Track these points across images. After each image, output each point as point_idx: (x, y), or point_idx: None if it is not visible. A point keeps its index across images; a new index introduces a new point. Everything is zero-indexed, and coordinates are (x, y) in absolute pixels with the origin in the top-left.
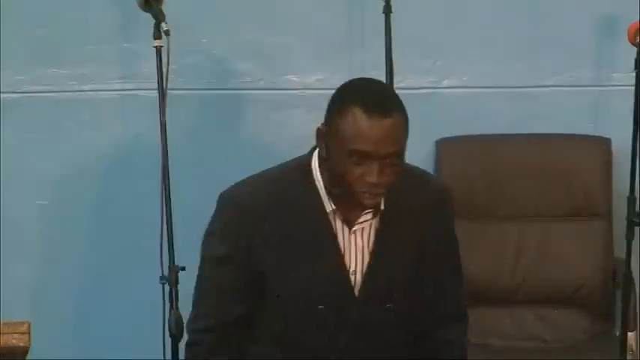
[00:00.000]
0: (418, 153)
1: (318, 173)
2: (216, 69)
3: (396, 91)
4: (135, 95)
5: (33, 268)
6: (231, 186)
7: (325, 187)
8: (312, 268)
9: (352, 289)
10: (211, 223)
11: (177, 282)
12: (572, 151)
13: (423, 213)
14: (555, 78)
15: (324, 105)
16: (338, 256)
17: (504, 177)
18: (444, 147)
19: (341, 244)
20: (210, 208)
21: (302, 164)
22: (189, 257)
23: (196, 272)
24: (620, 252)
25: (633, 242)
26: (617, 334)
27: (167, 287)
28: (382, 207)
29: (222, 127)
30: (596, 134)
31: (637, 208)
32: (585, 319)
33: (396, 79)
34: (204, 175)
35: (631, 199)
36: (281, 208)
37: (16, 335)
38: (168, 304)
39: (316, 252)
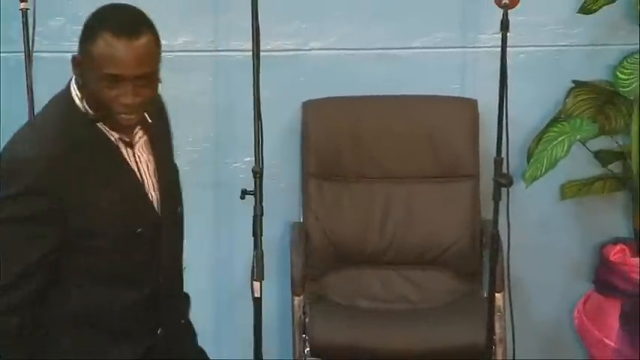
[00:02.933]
0: (284, 114)
1: (80, 102)
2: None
3: (263, 54)
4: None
5: None
6: (9, 148)
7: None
8: (120, 196)
9: (153, 206)
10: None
11: None
12: (438, 112)
13: (161, 120)
14: (422, 40)
15: (191, 67)
16: (135, 179)
17: (371, 139)
18: (310, 108)
19: (133, 166)
20: None
21: (61, 102)
22: None
23: None
24: (487, 213)
25: (500, 203)
26: (485, 295)
27: None
28: (150, 120)
29: None
30: (463, 96)
31: (504, 170)
32: (453, 279)
33: (262, 42)
34: None
35: (498, 161)
36: (70, 151)
37: None
38: None
39: (117, 181)
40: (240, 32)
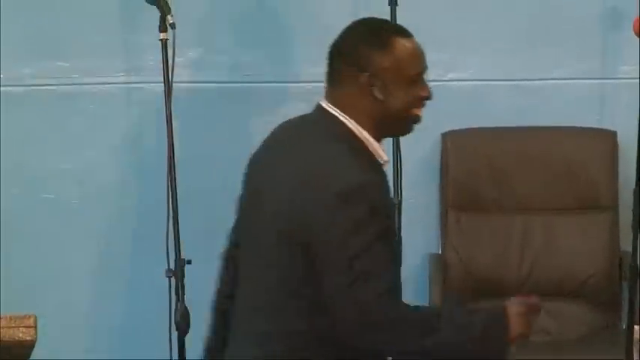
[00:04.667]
0: (424, 146)
1: (363, 130)
2: (221, 62)
3: None
4: (140, 89)
5: (38, 262)
6: (343, 173)
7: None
8: None
9: None
10: (358, 208)
11: (183, 275)
12: (577, 143)
13: None
14: (560, 70)
15: None
16: None
17: (510, 170)
18: (450, 140)
19: None
20: (215, 200)
21: (339, 135)
22: (196, 251)
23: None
24: (626, 244)
25: None
26: (624, 326)
27: (173, 281)
28: None
29: (229, 120)
30: (602, 127)
31: None
32: (591, 311)
33: None
34: (210, 169)
35: (637, 192)
36: (381, 178)
37: (22, 329)
38: (174, 298)
39: None
40: None
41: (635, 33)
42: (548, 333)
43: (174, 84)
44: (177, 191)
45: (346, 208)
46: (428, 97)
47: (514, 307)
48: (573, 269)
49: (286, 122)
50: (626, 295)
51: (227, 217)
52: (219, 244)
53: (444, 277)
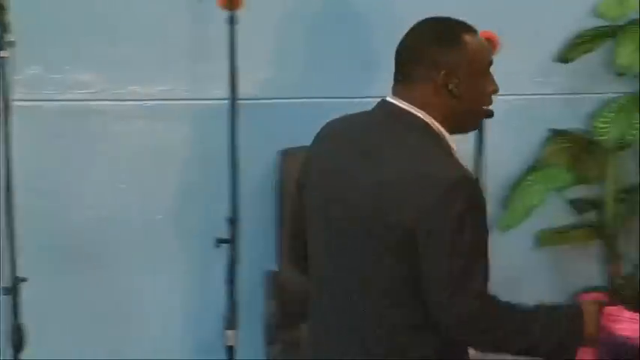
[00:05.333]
0: (261, 163)
1: (436, 123)
2: (59, 80)
3: (240, 102)
4: None
5: None
6: (436, 166)
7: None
8: None
9: None
10: (473, 201)
11: (17, 293)
12: None
13: None
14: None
15: (169, 115)
16: None
17: None
18: (285, 157)
19: None
20: (55, 218)
21: (419, 127)
22: (32, 269)
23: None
24: None
25: None
26: None
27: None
28: None
29: (66, 138)
30: None
31: None
32: None
33: (240, 90)
34: (49, 186)
35: None
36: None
37: None
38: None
39: None
40: (218, 80)
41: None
42: None
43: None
44: (15, 209)
45: (452, 203)
46: (496, 91)
47: (589, 307)
48: None
49: (347, 119)
50: None
51: (63, 235)
52: (57, 261)
53: (280, 294)
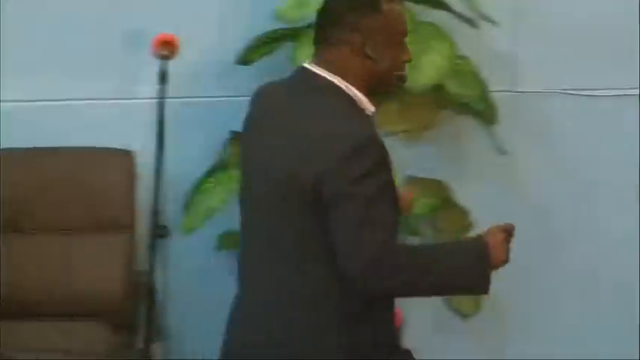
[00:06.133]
0: None
1: (351, 87)
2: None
3: None
4: None
5: None
6: (343, 126)
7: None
8: None
9: None
10: (379, 159)
11: None
12: (94, 164)
13: None
14: (77, 91)
15: None
16: None
17: (27, 192)
18: None
19: None
20: None
21: (332, 91)
22: None
23: None
24: (146, 264)
25: (159, 254)
26: (141, 345)
27: None
28: None
29: None
30: (122, 147)
31: (160, 221)
32: (107, 330)
33: None
34: None
35: (155, 212)
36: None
37: None
38: None
39: None
40: None
41: (154, 52)
42: (68, 352)
43: None
44: None
45: (358, 160)
46: (410, 60)
47: (492, 236)
48: (91, 290)
49: (270, 85)
50: (142, 314)
51: None
52: None
53: None
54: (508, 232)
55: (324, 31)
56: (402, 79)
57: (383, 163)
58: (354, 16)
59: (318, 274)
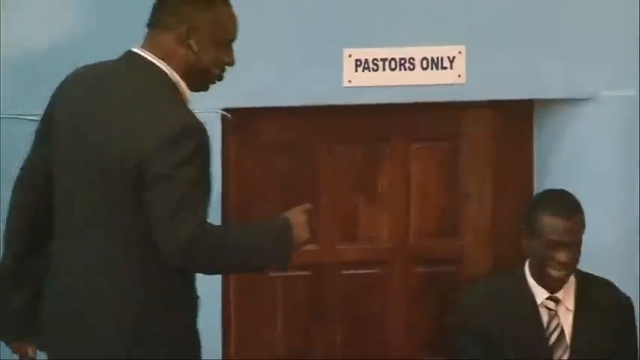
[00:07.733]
0: None
1: (175, 74)
2: None
3: None
4: None
5: None
6: (168, 110)
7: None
8: None
9: None
10: (200, 146)
11: None
12: None
13: None
14: None
15: None
16: None
17: None
18: None
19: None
20: None
21: (157, 75)
22: None
23: None
24: None
25: None
26: None
27: None
28: None
29: None
30: None
31: None
32: None
33: None
34: None
35: None
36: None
37: None
38: None
39: None
40: None
41: None
42: None
43: None
44: None
45: (181, 144)
46: (231, 64)
47: (295, 216)
48: None
49: (92, 66)
50: None
51: None
52: None
53: None
54: (309, 212)
55: (159, 15)
56: (218, 78)
57: (204, 149)
58: (188, 8)
59: (125, 259)
